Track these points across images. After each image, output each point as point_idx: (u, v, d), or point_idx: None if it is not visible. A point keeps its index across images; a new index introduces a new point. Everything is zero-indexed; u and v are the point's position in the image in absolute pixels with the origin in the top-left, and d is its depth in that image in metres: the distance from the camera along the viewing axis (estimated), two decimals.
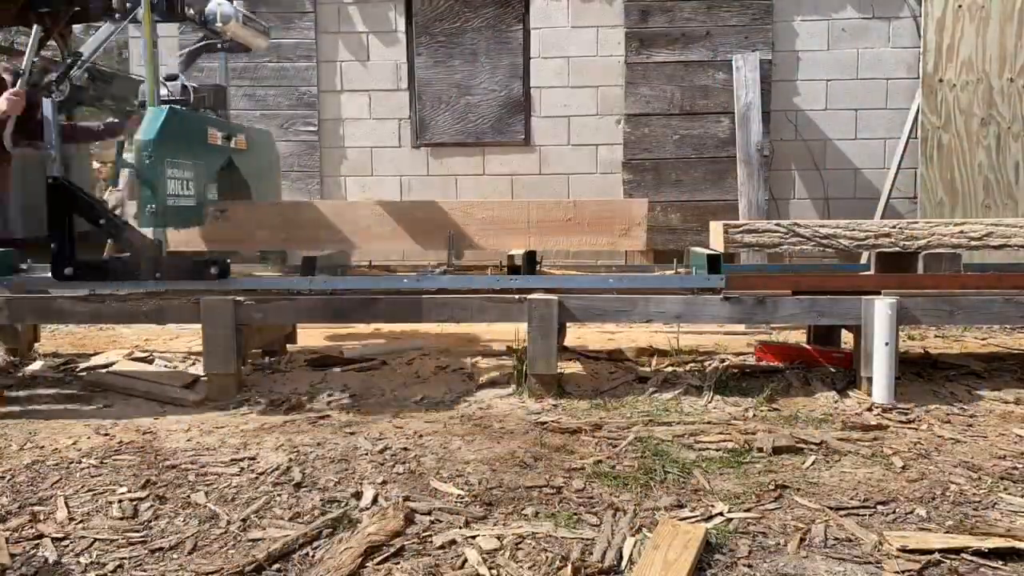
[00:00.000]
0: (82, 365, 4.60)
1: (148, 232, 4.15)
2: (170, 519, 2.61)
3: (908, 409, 3.73)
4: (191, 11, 4.28)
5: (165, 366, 4.61)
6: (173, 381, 4.26)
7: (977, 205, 6.83)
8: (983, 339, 5.40)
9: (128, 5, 4.13)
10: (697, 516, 2.59)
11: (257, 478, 2.94)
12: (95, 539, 2.46)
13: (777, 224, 4.33)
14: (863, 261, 5.86)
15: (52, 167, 4.06)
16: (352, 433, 3.47)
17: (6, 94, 3.79)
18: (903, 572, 2.23)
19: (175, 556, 2.35)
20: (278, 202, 5.50)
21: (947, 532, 2.47)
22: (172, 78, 4.75)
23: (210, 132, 4.36)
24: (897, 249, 4.22)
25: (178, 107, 4.35)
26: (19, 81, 3.93)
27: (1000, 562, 2.28)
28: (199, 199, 4.22)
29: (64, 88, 4.12)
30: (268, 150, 5.21)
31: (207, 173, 4.34)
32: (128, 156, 4.02)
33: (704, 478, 2.92)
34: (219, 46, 4.92)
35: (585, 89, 7.32)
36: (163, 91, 4.46)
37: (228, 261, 4.14)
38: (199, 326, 4.10)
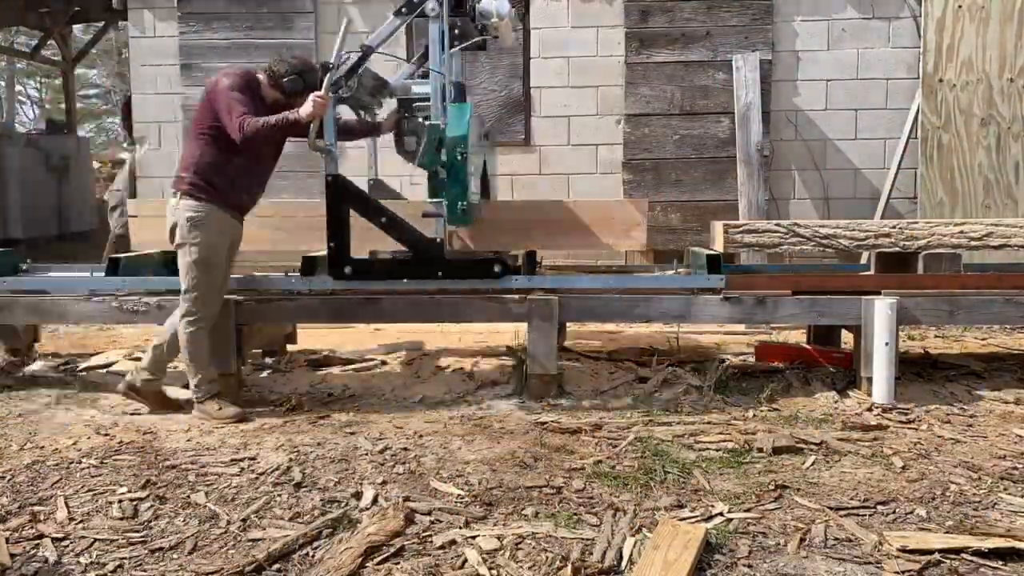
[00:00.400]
0: (82, 365, 4.61)
1: (451, 230, 4.12)
2: (170, 519, 2.61)
3: (908, 409, 3.73)
4: (469, 9, 4.18)
5: None
6: (173, 381, 4.25)
7: (977, 205, 6.82)
8: (983, 339, 5.40)
9: (416, 1, 4.07)
10: (697, 516, 2.59)
11: (257, 478, 2.94)
12: (95, 539, 2.46)
13: (777, 224, 4.33)
14: (863, 261, 5.85)
15: (331, 165, 3.98)
16: (352, 433, 3.47)
17: (312, 96, 3.68)
18: (903, 572, 2.23)
19: (175, 556, 2.35)
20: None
21: (947, 532, 2.47)
22: (425, 76, 4.48)
23: (481, 130, 4.29)
24: (897, 249, 4.22)
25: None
26: (325, 82, 3.79)
27: (1000, 562, 2.28)
28: (477, 197, 4.19)
29: (352, 84, 4.01)
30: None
31: (478, 171, 4.31)
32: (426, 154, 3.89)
33: (704, 478, 2.92)
34: (487, 42, 4.72)
35: (585, 89, 7.31)
36: (424, 89, 4.28)
37: (508, 259, 4.11)
38: None
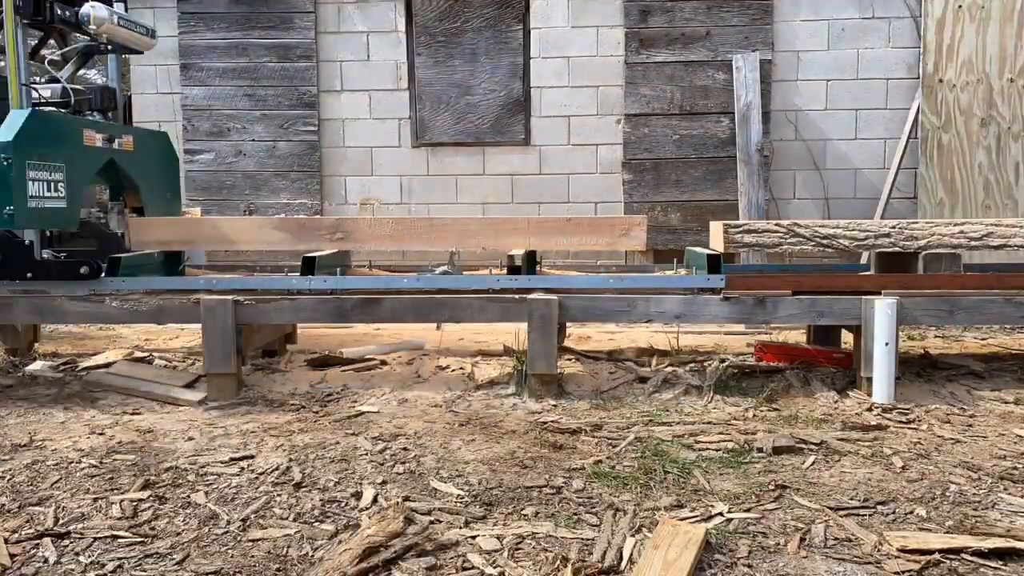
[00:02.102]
0: (82, 365, 4.60)
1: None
2: (170, 519, 2.61)
3: (908, 409, 3.73)
4: (65, 13, 4.28)
5: (165, 366, 4.61)
6: (173, 381, 4.26)
7: (977, 205, 6.82)
8: (983, 339, 5.40)
9: None
10: (697, 516, 2.59)
11: (257, 478, 2.94)
12: (95, 539, 2.46)
13: (777, 224, 4.33)
14: (863, 261, 5.86)
15: None
16: (352, 433, 3.46)
17: None
18: (903, 572, 2.23)
19: (175, 556, 2.35)
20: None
21: (947, 532, 2.47)
22: (53, 80, 4.76)
23: (86, 134, 4.38)
24: (897, 249, 4.22)
25: (47, 109, 4.39)
26: None
27: (1000, 562, 2.28)
28: (71, 200, 4.25)
29: None
30: (161, 151, 5.24)
31: (82, 175, 4.37)
32: None
33: (704, 478, 2.92)
34: (102, 48, 4.92)
35: (585, 89, 7.32)
36: (45, 93, 4.52)
37: (95, 262, 4.20)
38: (199, 326, 4.10)
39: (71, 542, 2.45)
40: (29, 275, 4.09)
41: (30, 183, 3.91)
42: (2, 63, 4.66)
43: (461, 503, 2.71)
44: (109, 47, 4.93)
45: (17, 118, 3.95)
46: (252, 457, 3.16)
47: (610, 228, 4.47)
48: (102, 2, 4.59)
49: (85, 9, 4.40)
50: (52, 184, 4.04)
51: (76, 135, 4.28)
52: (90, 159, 4.44)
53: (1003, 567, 2.26)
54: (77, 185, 4.27)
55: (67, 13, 4.32)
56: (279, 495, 2.78)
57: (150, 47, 5.19)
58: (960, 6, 6.75)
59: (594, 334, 5.58)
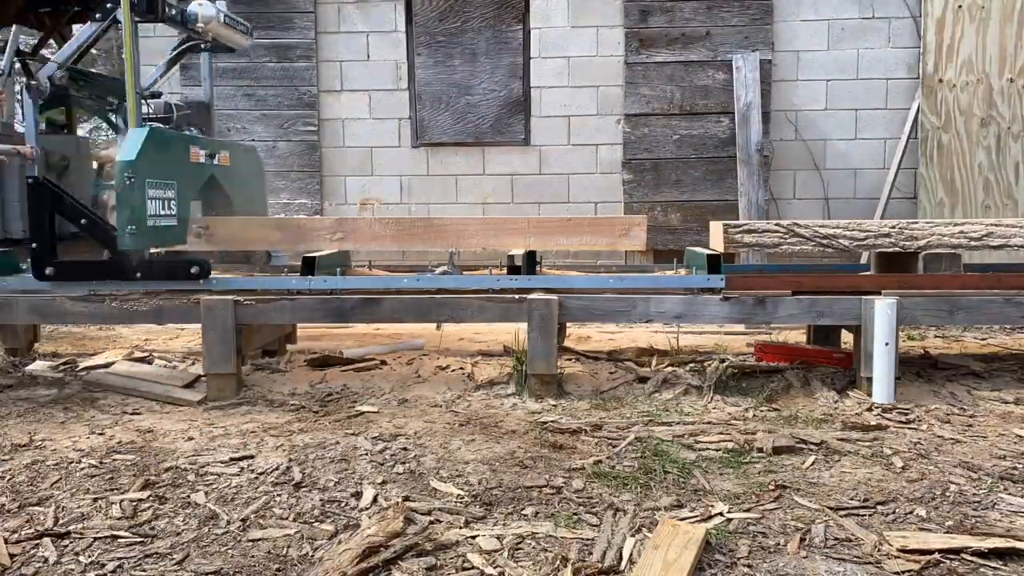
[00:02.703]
0: (82, 365, 4.60)
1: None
2: (170, 519, 2.60)
3: (908, 409, 3.73)
4: (172, 11, 4.19)
5: (165, 366, 4.61)
6: (173, 381, 4.26)
7: (977, 205, 6.82)
8: (983, 339, 5.40)
9: (108, 5, 4.03)
10: (697, 516, 2.58)
11: (257, 478, 2.94)
12: (95, 539, 2.46)
13: (777, 224, 4.33)
14: (863, 261, 5.86)
15: (33, 167, 4.02)
16: (352, 433, 3.46)
17: None
18: (903, 572, 2.23)
19: (175, 556, 2.35)
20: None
21: (947, 532, 2.47)
22: (155, 96, 4.72)
23: (192, 150, 4.37)
24: (897, 249, 4.22)
25: (158, 126, 4.36)
26: None
27: (1000, 562, 2.28)
28: (181, 217, 4.25)
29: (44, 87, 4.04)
30: (252, 165, 5.22)
31: (189, 191, 4.36)
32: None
33: (704, 478, 2.92)
34: (201, 47, 4.84)
35: (585, 89, 7.31)
36: (144, 109, 4.44)
37: (205, 262, 4.20)
38: (199, 326, 4.10)
39: (71, 542, 2.45)
40: (139, 275, 4.09)
41: (149, 202, 3.91)
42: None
43: (461, 503, 2.71)
44: (207, 46, 4.80)
45: (138, 136, 3.90)
46: (252, 457, 3.15)
47: (610, 228, 4.47)
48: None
49: (193, 7, 4.27)
50: (166, 202, 4.04)
51: (185, 152, 4.27)
52: (196, 176, 4.44)
53: (1003, 567, 2.26)
54: (185, 202, 4.26)
55: (174, 11, 4.21)
56: (279, 495, 2.78)
57: (246, 46, 5.08)
58: (960, 6, 6.75)
59: (594, 334, 5.58)
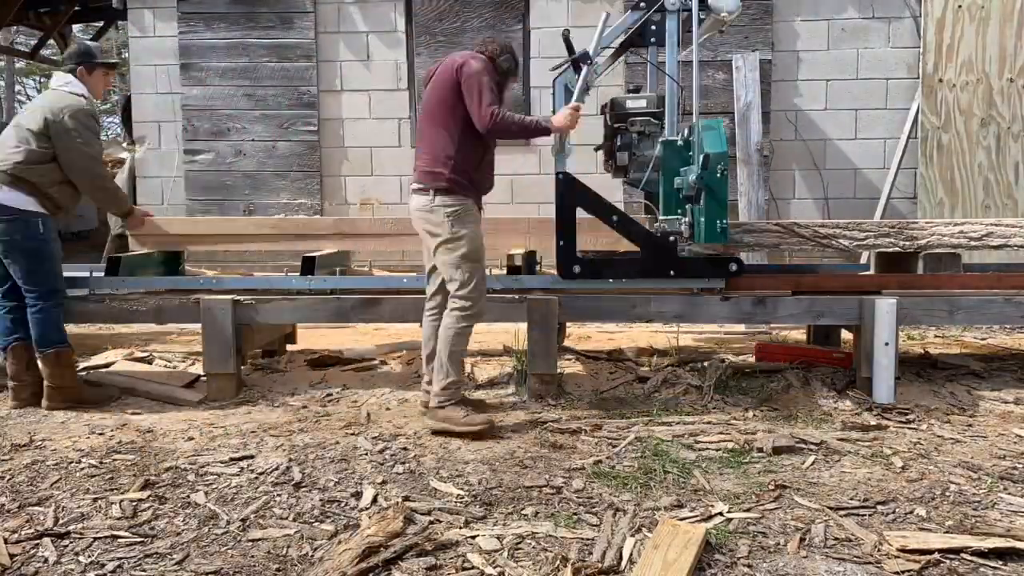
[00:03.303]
0: (82, 365, 4.60)
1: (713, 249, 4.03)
2: (170, 519, 2.61)
3: (908, 409, 3.73)
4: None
5: (165, 366, 4.61)
6: (173, 381, 4.26)
7: (977, 205, 6.82)
8: (983, 339, 5.40)
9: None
10: (697, 516, 2.59)
11: (257, 478, 2.94)
12: (95, 539, 2.46)
13: (777, 224, 4.33)
14: (863, 261, 5.86)
15: (562, 163, 3.86)
16: (352, 433, 3.46)
17: (569, 108, 3.59)
18: (903, 572, 2.23)
19: (175, 556, 2.35)
20: None
21: (947, 532, 2.47)
22: (637, 89, 4.48)
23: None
24: (897, 249, 4.21)
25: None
26: (578, 88, 3.66)
27: (1000, 562, 2.28)
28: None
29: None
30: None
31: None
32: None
33: (704, 478, 2.92)
34: (720, 32, 4.40)
35: None
36: (641, 103, 4.19)
37: (741, 258, 4.03)
38: (199, 326, 4.10)
39: (71, 542, 2.45)
40: (672, 272, 3.92)
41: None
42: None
43: (461, 503, 2.71)
44: (723, 31, 4.41)
45: (714, 126, 3.75)
46: (252, 457, 3.15)
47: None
48: None
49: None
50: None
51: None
52: None
53: (1003, 567, 2.26)
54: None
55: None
56: (279, 495, 2.78)
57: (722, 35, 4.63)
58: (960, 6, 6.75)
59: (594, 334, 5.58)
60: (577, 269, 3.93)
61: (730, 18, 3.91)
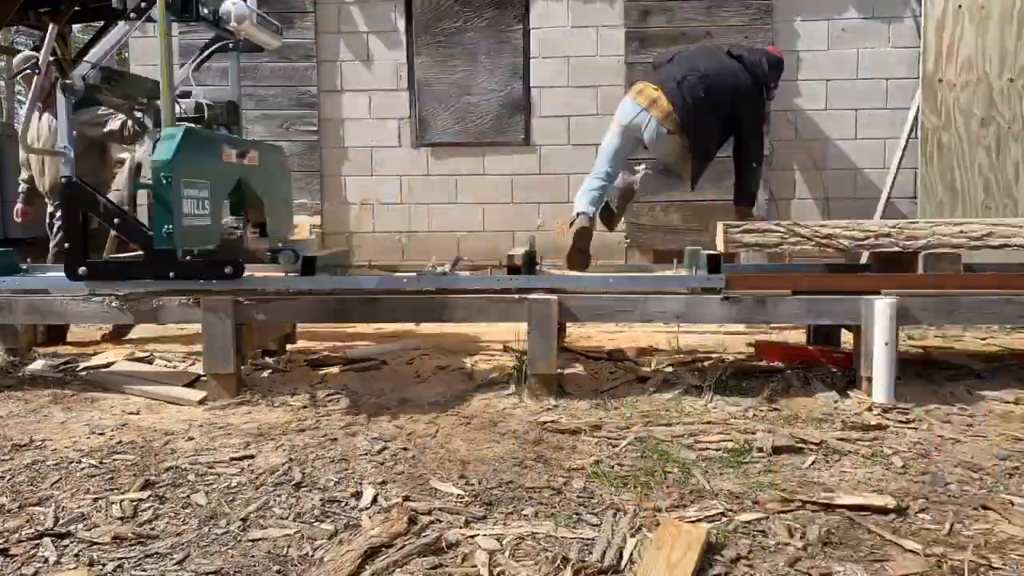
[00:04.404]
0: (82, 365, 4.60)
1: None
2: (170, 519, 2.61)
3: (908, 409, 3.73)
4: (205, 10, 4.11)
5: (165, 366, 4.61)
6: (173, 381, 4.26)
7: (977, 205, 6.82)
8: (983, 339, 5.40)
9: (143, 4, 3.99)
10: (698, 516, 2.58)
11: (257, 478, 2.94)
12: (95, 539, 2.46)
13: (777, 224, 4.33)
14: (863, 261, 5.85)
15: (67, 168, 3.98)
16: (352, 433, 3.46)
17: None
18: (903, 572, 2.23)
19: (175, 556, 2.35)
20: None
21: (947, 532, 2.47)
22: (185, 95, 4.62)
23: (224, 151, 4.24)
24: (897, 249, 4.22)
25: (192, 125, 4.27)
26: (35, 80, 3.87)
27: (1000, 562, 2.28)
28: (213, 218, 4.12)
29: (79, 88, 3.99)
30: (278, 165, 5.08)
31: (220, 192, 4.24)
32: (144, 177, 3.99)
33: (704, 478, 2.92)
34: (230, 46, 4.72)
35: (585, 89, 7.31)
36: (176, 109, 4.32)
37: (237, 262, 4.13)
38: (199, 326, 4.10)
39: (71, 542, 2.45)
40: (172, 274, 4.02)
41: (184, 201, 3.83)
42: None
43: (461, 503, 2.71)
44: (234, 45, 4.69)
45: (173, 135, 3.83)
46: (252, 457, 3.16)
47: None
48: None
49: (226, 6, 4.18)
50: (200, 202, 3.95)
51: (217, 152, 4.18)
52: (227, 176, 4.32)
53: (1003, 567, 2.26)
54: (217, 202, 4.16)
55: (206, 10, 4.11)
56: (279, 495, 2.78)
57: (277, 46, 4.96)
58: (960, 6, 6.75)
59: (594, 334, 5.58)
60: (83, 271, 4.05)
61: (237, 27, 4.22)
